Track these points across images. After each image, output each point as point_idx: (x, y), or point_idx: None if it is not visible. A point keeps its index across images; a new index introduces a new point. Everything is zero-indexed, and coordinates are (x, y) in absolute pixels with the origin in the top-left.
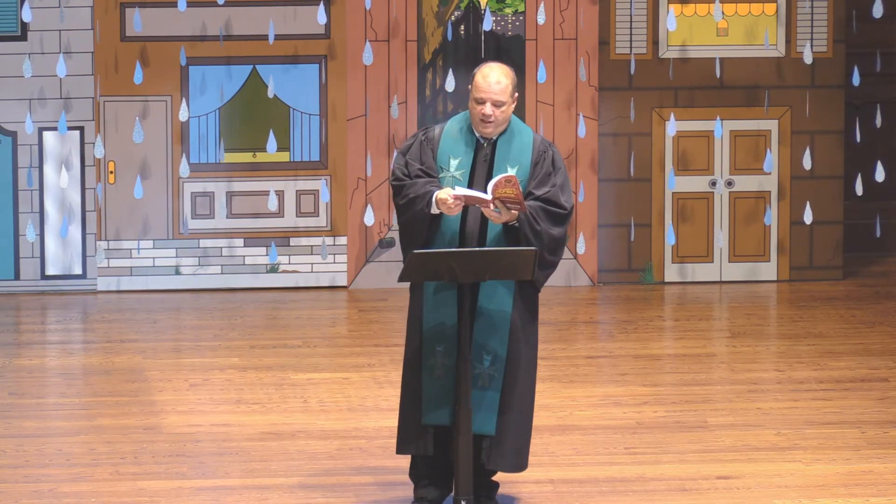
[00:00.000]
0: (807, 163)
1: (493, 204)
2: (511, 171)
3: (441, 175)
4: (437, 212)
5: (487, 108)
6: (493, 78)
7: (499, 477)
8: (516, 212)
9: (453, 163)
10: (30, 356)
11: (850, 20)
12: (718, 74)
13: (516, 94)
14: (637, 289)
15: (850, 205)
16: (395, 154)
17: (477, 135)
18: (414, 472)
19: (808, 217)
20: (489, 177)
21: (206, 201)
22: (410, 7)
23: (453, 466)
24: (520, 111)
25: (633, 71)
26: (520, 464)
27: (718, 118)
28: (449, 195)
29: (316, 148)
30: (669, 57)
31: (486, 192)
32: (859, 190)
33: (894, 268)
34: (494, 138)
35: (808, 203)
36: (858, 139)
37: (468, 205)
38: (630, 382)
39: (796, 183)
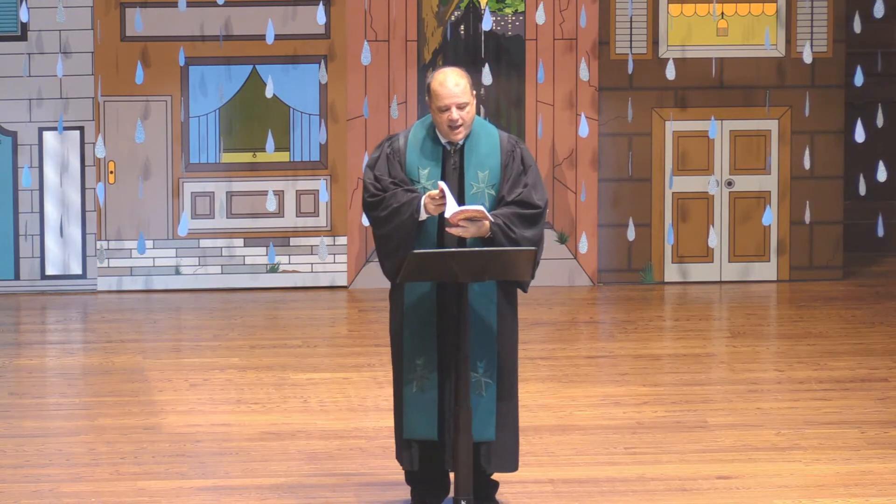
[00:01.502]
0: (807, 163)
1: (455, 223)
2: (482, 175)
3: (415, 187)
4: (426, 216)
5: (454, 113)
6: (451, 82)
7: (497, 476)
8: (487, 224)
9: (423, 173)
10: (30, 356)
11: (851, 20)
12: (718, 74)
13: (475, 92)
14: (637, 289)
15: (850, 204)
16: (364, 169)
17: (443, 142)
18: (409, 478)
19: (807, 216)
20: (461, 184)
21: (205, 201)
22: (410, 7)
23: (451, 471)
24: (520, 111)
25: (631, 70)
26: (514, 463)
27: (713, 118)
28: (436, 189)
29: (316, 148)
30: (669, 57)
31: (456, 205)
32: (861, 190)
33: (894, 268)
34: (461, 143)
35: (807, 203)
36: (861, 139)
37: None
38: (630, 382)
39: (796, 183)
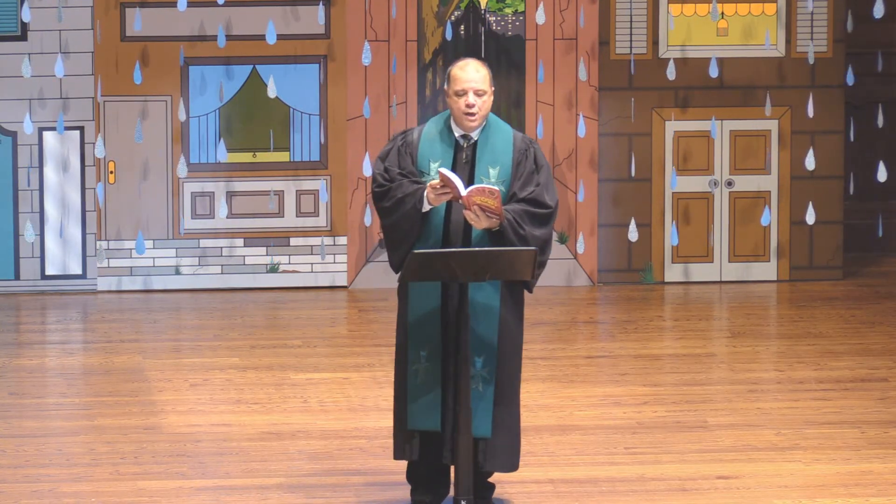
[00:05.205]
0: (807, 163)
1: (466, 202)
2: (492, 171)
3: (423, 179)
4: (429, 208)
5: (471, 98)
6: (472, 68)
7: (498, 476)
8: (496, 220)
9: (433, 166)
10: (30, 356)
11: (850, 20)
12: (718, 74)
13: (493, 87)
14: (637, 289)
15: (850, 205)
16: (375, 160)
17: (456, 135)
18: (410, 475)
19: (810, 217)
20: (471, 179)
21: (205, 201)
22: (410, 7)
23: (450, 469)
24: (520, 111)
25: (632, 71)
26: (513, 463)
27: (713, 118)
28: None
29: (316, 148)
30: (669, 57)
31: (463, 186)
32: (859, 190)
33: (894, 268)
34: (474, 138)
35: (808, 203)
36: (854, 138)
37: (451, 199)
38: (630, 382)
39: (796, 183)
